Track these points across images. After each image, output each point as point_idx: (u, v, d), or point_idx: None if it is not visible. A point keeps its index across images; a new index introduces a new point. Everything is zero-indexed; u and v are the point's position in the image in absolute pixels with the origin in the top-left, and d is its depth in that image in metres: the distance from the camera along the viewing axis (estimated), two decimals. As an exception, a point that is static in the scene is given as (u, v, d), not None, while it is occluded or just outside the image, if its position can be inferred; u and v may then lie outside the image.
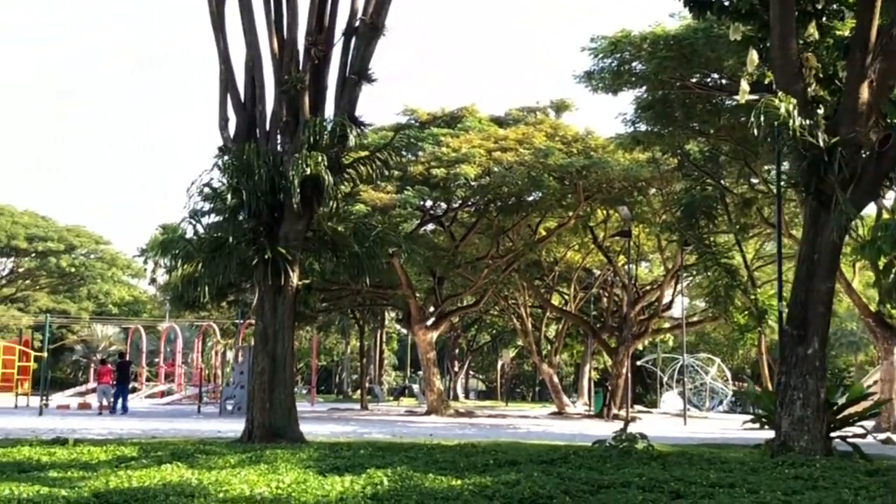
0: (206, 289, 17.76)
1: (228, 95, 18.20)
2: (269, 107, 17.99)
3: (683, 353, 39.27)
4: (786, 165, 19.04)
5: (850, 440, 15.05)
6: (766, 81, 17.08)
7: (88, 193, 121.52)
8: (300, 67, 17.78)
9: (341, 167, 18.14)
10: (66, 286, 63.85)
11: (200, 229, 18.25)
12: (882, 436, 21.27)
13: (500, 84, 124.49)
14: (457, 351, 65.20)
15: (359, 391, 49.21)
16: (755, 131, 14.25)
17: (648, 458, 12.35)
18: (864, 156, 14.81)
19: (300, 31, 17.90)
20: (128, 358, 39.50)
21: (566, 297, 44.90)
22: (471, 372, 74.94)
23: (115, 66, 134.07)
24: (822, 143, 14.18)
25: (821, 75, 15.72)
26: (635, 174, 30.36)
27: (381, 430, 23.55)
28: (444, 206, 33.75)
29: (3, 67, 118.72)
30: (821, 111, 15.04)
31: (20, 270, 62.09)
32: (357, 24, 17.97)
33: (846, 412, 15.51)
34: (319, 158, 16.72)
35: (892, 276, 14.78)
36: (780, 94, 14.18)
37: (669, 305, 39.35)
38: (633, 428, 14.56)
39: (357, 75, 17.96)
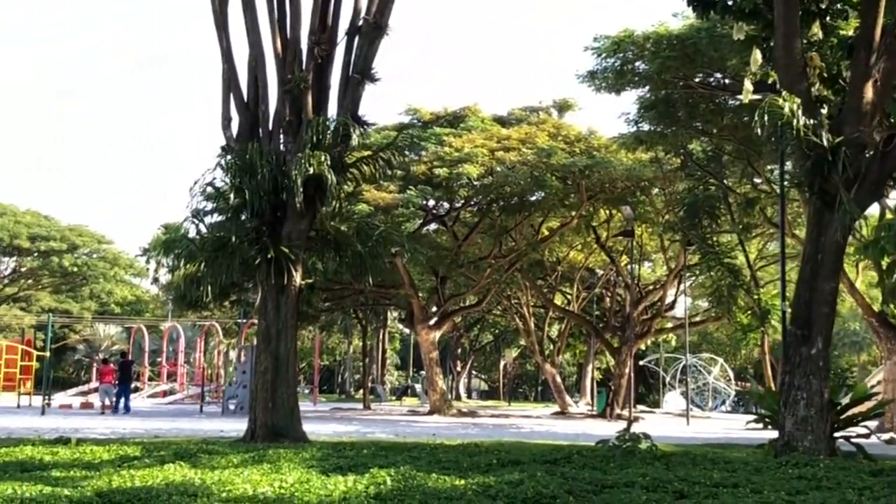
0: (209, 288, 17.75)
1: (231, 95, 18.20)
2: (272, 106, 17.98)
3: (686, 353, 39.25)
4: (789, 165, 19.00)
5: (853, 440, 15.02)
6: (770, 81, 17.04)
7: (88, 193, 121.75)
8: (303, 67, 17.77)
9: (344, 167, 18.13)
10: (69, 286, 63.88)
11: (203, 229, 18.24)
12: (886, 436, 21.22)
13: (503, 83, 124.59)
14: (459, 351, 65.22)
15: (361, 391, 49.21)
16: (759, 131, 14.22)
17: (652, 458, 12.32)
18: (868, 155, 14.77)
19: (303, 30, 17.89)
20: (130, 357, 39.64)
21: (569, 296, 44.88)
22: (473, 372, 74.93)
23: (115, 66, 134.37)
24: (826, 143, 14.15)
25: (825, 75, 15.69)
26: (638, 174, 30.34)
27: (384, 429, 23.54)
28: (446, 205, 33.75)
29: (3, 67, 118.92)
30: (824, 111, 15.02)
31: (23, 270, 62.10)
32: (360, 23, 17.95)
33: (850, 412, 15.49)
34: (322, 158, 16.70)
35: (895, 275, 14.77)
36: (783, 93, 14.15)
37: (672, 305, 39.32)
38: (635, 428, 14.57)
39: (360, 74, 17.94)
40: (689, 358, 40.44)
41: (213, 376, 45.29)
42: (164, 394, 44.11)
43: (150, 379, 48.22)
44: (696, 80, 25.71)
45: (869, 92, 14.70)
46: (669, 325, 41.87)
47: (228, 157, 17.59)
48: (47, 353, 34.66)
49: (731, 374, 53.30)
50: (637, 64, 25.34)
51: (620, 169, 29.98)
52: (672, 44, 24.02)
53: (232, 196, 17.19)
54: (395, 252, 27.32)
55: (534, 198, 32.04)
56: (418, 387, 57.36)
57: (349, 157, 18.61)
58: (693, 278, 40.55)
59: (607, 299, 45.09)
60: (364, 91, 18.12)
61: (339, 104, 18.01)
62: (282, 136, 17.91)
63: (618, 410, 34.45)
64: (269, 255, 16.76)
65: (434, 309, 37.14)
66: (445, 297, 36.97)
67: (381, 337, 60.44)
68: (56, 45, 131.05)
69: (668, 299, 39.07)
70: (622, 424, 15.62)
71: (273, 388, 16.95)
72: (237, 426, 20.08)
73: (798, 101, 14.02)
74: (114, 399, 31.52)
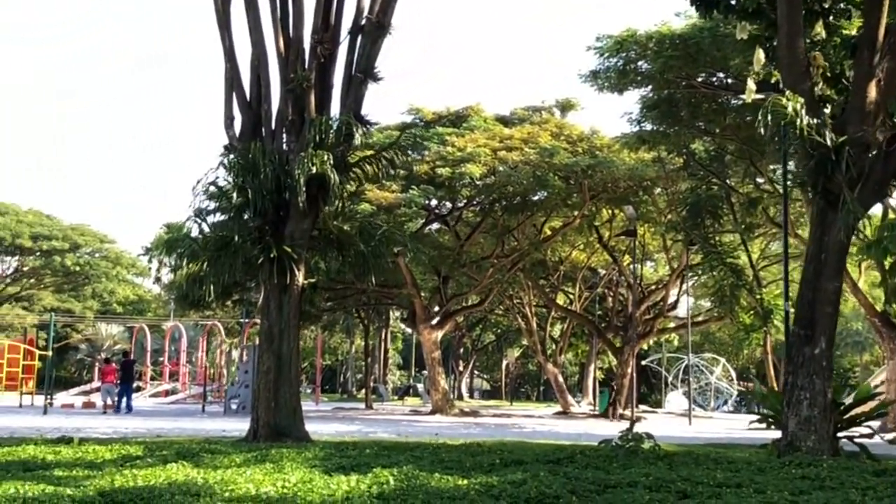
0: (211, 288, 17.78)
1: (234, 94, 18.20)
2: (274, 105, 17.98)
3: (689, 353, 39.21)
4: (792, 165, 19.00)
5: (857, 440, 15.01)
6: (773, 80, 17.02)
7: (89, 193, 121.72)
8: (306, 66, 17.76)
9: (347, 166, 18.12)
10: (71, 285, 63.91)
11: (206, 228, 18.25)
12: (889, 436, 21.23)
13: (506, 83, 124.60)
14: (461, 350, 65.18)
15: (363, 390, 49.18)
16: (762, 130, 14.23)
17: (655, 458, 12.32)
18: (871, 155, 14.75)
19: (306, 29, 17.88)
20: (132, 357, 39.64)
21: (571, 296, 44.85)
22: (475, 371, 74.92)
23: (115, 66, 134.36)
24: (829, 143, 14.14)
25: (828, 74, 15.67)
26: (641, 173, 30.32)
27: (386, 429, 23.54)
28: (449, 205, 33.74)
29: (3, 67, 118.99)
30: (828, 110, 15.00)
31: (25, 269, 62.11)
32: (363, 22, 17.96)
33: (853, 412, 15.48)
34: (325, 157, 16.70)
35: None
36: (787, 93, 14.14)
37: (674, 305, 39.30)
38: (638, 428, 14.56)
39: (363, 74, 17.94)
40: (691, 358, 40.40)
41: (216, 376, 45.30)
42: (166, 393, 44.08)
43: (152, 378, 48.17)
44: (699, 79, 25.70)
45: (872, 91, 14.69)
46: (672, 324, 41.88)
47: (231, 156, 17.59)
48: (49, 353, 34.64)
49: (734, 374, 53.24)
50: (640, 63, 25.34)
51: (623, 169, 29.96)
52: (675, 43, 24.02)
53: (235, 195, 17.19)
54: (397, 252, 27.30)
55: (536, 197, 32.02)
56: (420, 386, 57.38)
57: (352, 156, 18.62)
58: (695, 278, 40.53)
59: (609, 299, 45.09)
60: (367, 90, 18.15)
61: (342, 103, 18.02)
62: (284, 136, 17.91)
63: (620, 410, 34.43)
64: (271, 255, 16.75)
65: (436, 308, 37.14)
66: (448, 297, 36.97)
67: (383, 336, 60.43)
68: (56, 45, 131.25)
69: (671, 299, 39.06)
70: (624, 424, 15.62)
71: (276, 388, 16.94)
72: (239, 426, 20.08)
73: (801, 100, 14.01)
74: (116, 399, 31.50)
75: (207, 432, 19.76)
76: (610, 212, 36.10)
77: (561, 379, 41.91)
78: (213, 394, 39.96)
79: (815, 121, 14.11)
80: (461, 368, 64.56)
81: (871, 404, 16.59)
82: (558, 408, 40.79)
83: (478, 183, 29.93)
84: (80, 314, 61.02)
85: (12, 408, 31.62)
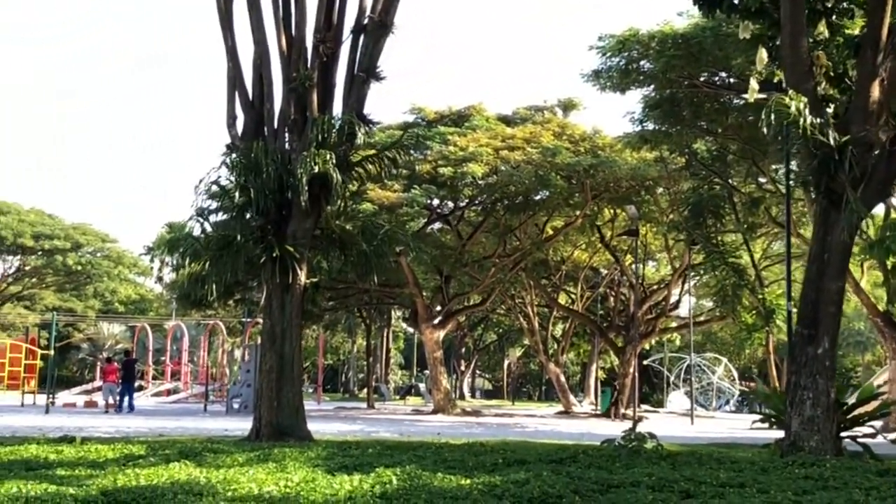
0: (213, 287, 17.78)
1: (236, 93, 18.18)
2: (277, 105, 17.96)
3: (691, 353, 39.20)
4: (794, 164, 18.97)
5: (860, 440, 14.99)
6: (776, 80, 17.00)
7: (89, 193, 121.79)
8: (308, 65, 17.75)
9: (349, 165, 18.11)
10: (73, 284, 63.93)
11: (208, 227, 18.21)
12: (892, 435, 21.12)
13: (508, 82, 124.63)
14: (463, 350, 65.17)
15: (365, 390, 49.19)
16: (765, 130, 14.23)
17: (658, 458, 12.30)
18: (874, 155, 14.74)
19: (308, 28, 17.87)
20: (134, 356, 39.57)
21: (573, 296, 44.83)
22: (477, 371, 74.93)
23: (115, 66, 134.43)
24: (832, 142, 14.12)
25: (831, 74, 15.65)
26: (643, 173, 30.31)
27: (389, 428, 23.53)
28: (451, 204, 33.74)
29: (3, 67, 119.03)
30: (831, 110, 14.97)
31: (27, 268, 62.11)
32: (366, 21, 17.95)
33: (856, 412, 15.46)
34: (328, 156, 16.69)
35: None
36: (789, 92, 14.13)
37: (676, 305, 39.27)
38: (640, 427, 14.53)
39: (365, 73, 17.93)
40: (693, 357, 40.40)
41: (218, 375, 45.32)
42: (168, 393, 44.08)
43: (154, 378, 48.18)
44: (702, 79, 25.67)
45: (875, 91, 14.67)
46: (674, 324, 41.85)
47: (233, 155, 17.57)
48: (51, 352, 34.66)
49: (736, 374, 53.20)
50: (642, 63, 25.30)
51: (625, 168, 29.96)
52: (677, 43, 23.99)
53: (237, 194, 17.15)
54: (399, 251, 27.31)
55: (538, 197, 32.01)
56: (422, 386, 57.37)
57: (354, 155, 18.60)
58: (697, 278, 40.43)
59: (611, 299, 45.07)
60: (369, 89, 18.15)
61: (345, 103, 18.01)
62: (287, 135, 17.91)
63: (622, 410, 34.41)
64: (273, 254, 16.75)
65: (438, 308, 37.13)
66: (449, 297, 36.96)
67: (385, 336, 60.44)
68: (56, 45, 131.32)
69: (673, 299, 39.02)
70: (627, 424, 15.61)
71: (278, 387, 16.94)
72: (241, 425, 20.07)
73: (804, 99, 14.00)
74: (117, 398, 31.52)
75: (210, 432, 19.76)
76: (612, 211, 36.08)
77: (563, 379, 41.88)
78: (215, 393, 39.94)
79: (818, 120, 14.09)
80: (463, 368, 64.56)
81: (873, 404, 16.57)
82: (560, 407, 40.77)
83: (480, 182, 29.93)
84: (81, 313, 61.06)
85: (14, 407, 31.64)
